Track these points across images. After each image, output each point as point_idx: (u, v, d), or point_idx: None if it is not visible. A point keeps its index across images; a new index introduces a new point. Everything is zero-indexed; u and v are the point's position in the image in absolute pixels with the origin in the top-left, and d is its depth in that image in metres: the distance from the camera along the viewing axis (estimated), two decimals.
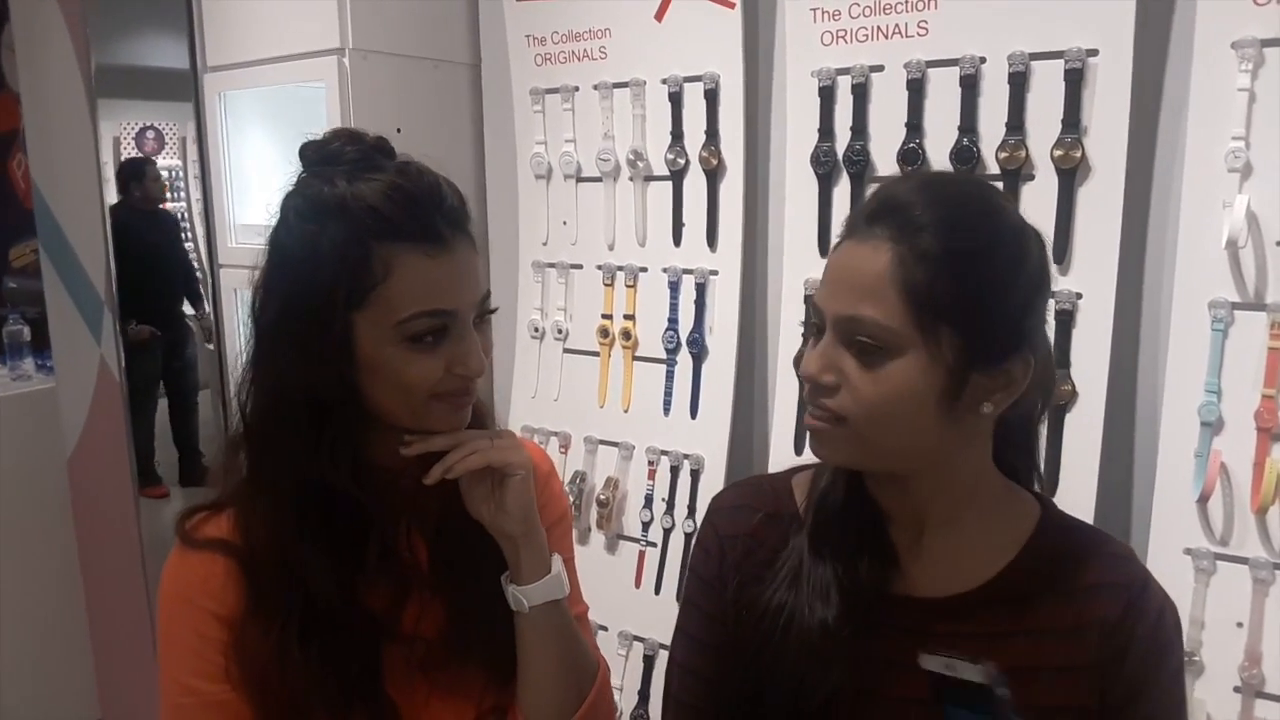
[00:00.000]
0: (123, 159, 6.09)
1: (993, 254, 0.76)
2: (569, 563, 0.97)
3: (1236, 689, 1.39)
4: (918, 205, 0.76)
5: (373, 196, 0.80)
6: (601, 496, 2.03)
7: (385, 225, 0.79)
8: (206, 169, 2.43)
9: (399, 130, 2.18)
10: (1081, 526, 0.88)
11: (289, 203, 0.84)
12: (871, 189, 1.69)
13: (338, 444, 0.84)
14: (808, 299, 1.77)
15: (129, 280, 4.58)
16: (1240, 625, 1.39)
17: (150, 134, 6.46)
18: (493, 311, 0.88)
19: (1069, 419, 1.54)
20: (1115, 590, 0.81)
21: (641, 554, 2.00)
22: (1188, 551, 1.44)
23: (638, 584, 2.00)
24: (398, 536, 0.90)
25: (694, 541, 0.96)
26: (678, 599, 1.92)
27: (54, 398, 2.69)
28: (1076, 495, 1.51)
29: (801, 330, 1.76)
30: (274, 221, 0.85)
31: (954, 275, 0.74)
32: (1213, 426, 1.41)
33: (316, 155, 0.85)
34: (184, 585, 0.86)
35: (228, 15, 2.29)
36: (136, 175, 4.66)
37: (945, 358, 0.75)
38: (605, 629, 2.03)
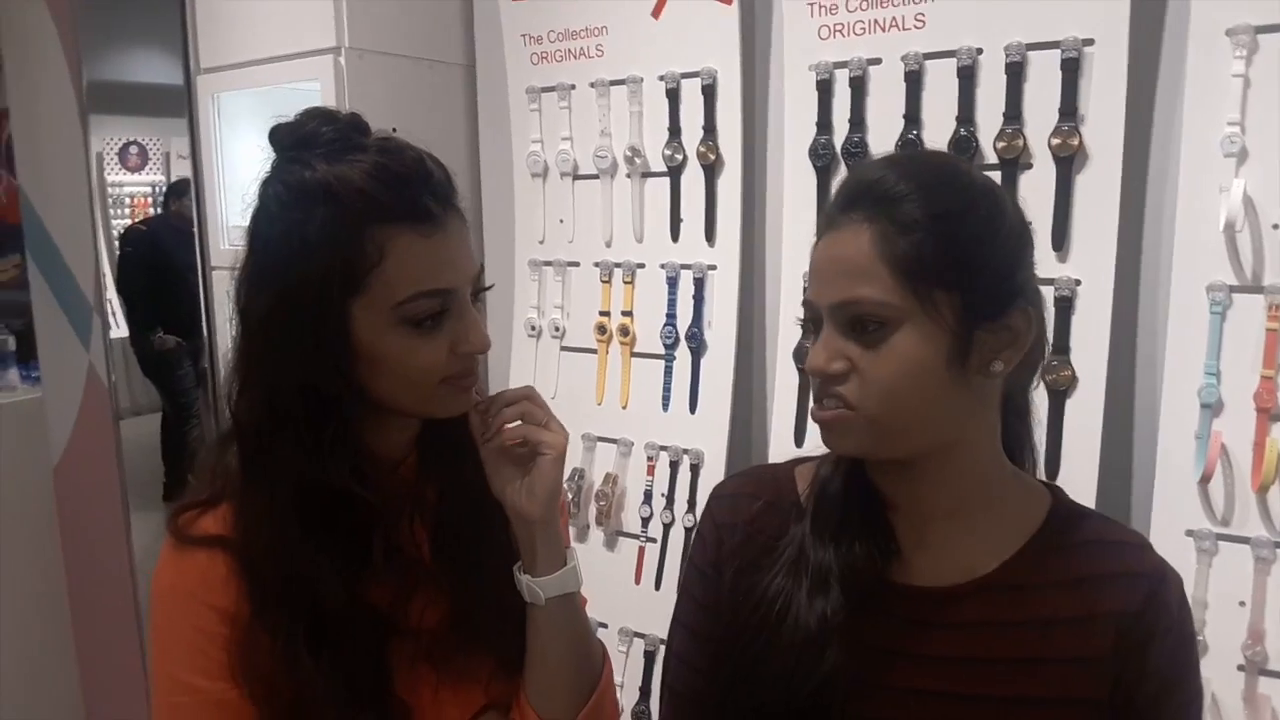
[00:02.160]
0: (106, 175, 6.09)
1: (971, 211, 0.76)
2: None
3: (1240, 667, 1.40)
4: (888, 179, 0.77)
5: (359, 178, 0.77)
6: (600, 492, 2.02)
7: (375, 207, 0.77)
8: (199, 173, 2.42)
9: (394, 130, 2.18)
10: (1093, 515, 0.86)
11: (268, 190, 0.80)
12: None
13: (338, 440, 0.81)
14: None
15: (157, 293, 4.65)
16: (1243, 604, 1.40)
17: (134, 149, 6.43)
18: (488, 288, 0.86)
19: (1070, 404, 1.55)
20: (1133, 580, 0.79)
21: (641, 550, 1.99)
22: (1189, 533, 1.45)
23: (638, 580, 1.99)
24: (401, 529, 0.87)
25: (695, 530, 0.96)
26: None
27: (40, 408, 2.66)
28: (1078, 479, 1.52)
29: (810, 341, 1.76)
30: (253, 211, 0.81)
31: (938, 237, 0.74)
32: (1212, 408, 1.43)
33: (291, 138, 0.81)
34: (182, 581, 0.82)
35: (221, 16, 2.29)
36: (177, 194, 4.76)
37: (946, 320, 0.74)
38: (605, 626, 2.02)
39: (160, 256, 4.66)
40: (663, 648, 1.93)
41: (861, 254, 0.75)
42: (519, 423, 0.86)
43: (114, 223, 6.00)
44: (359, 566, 0.82)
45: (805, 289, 0.81)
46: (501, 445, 0.86)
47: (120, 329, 4.85)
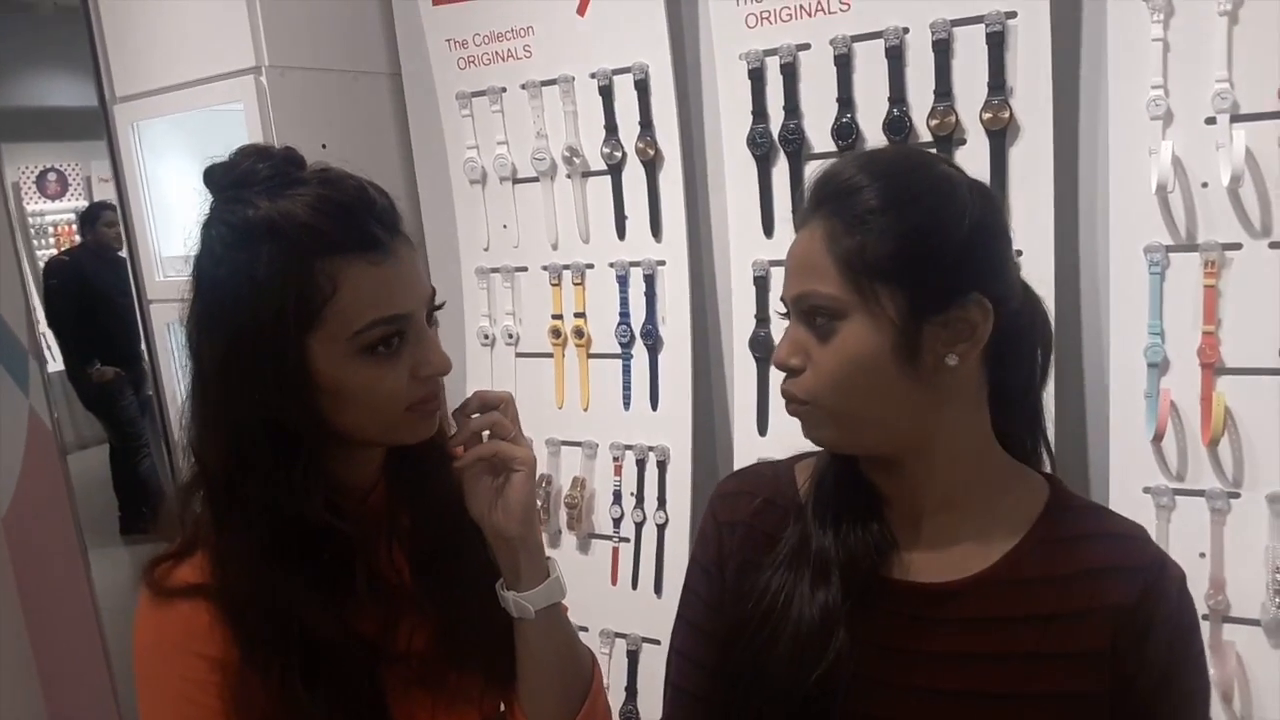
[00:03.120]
0: (25, 205, 5.87)
1: (916, 202, 0.76)
2: None
3: (1205, 616, 1.44)
4: (846, 173, 0.78)
5: (303, 213, 0.77)
6: (569, 497, 2.02)
7: (322, 240, 0.76)
8: (125, 204, 2.35)
9: (324, 146, 2.13)
10: (1091, 507, 0.86)
11: (211, 232, 0.80)
12: (810, 166, 1.72)
13: (308, 475, 0.81)
14: (757, 280, 1.79)
15: (89, 323, 4.51)
16: (1203, 555, 1.45)
17: (52, 176, 6.21)
18: (439, 308, 0.86)
19: None
20: (1130, 574, 0.78)
21: (615, 550, 1.99)
22: (1146, 490, 1.49)
23: (614, 581, 1.99)
24: (379, 557, 0.87)
25: (697, 529, 0.96)
26: (657, 592, 1.93)
27: None
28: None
29: (765, 329, 1.78)
30: (196, 255, 0.80)
31: (880, 231, 0.75)
32: (1159, 367, 1.46)
33: (227, 178, 0.80)
34: (165, 633, 0.82)
35: (133, 40, 2.21)
36: (91, 220, 4.62)
37: (889, 314, 0.75)
38: (585, 629, 2.02)
39: (87, 286, 4.54)
40: (647, 646, 1.94)
41: (814, 249, 0.77)
42: (487, 434, 0.87)
43: (39, 253, 5.80)
44: (343, 598, 0.82)
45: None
46: (470, 465, 0.86)
47: (56, 363, 4.72)
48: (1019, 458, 0.86)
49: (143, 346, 2.52)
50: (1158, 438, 1.46)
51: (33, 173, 6.03)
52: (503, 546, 0.88)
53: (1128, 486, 1.50)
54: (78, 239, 5.17)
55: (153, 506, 1.02)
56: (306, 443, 0.80)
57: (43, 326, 4.46)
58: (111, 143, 2.30)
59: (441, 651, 0.88)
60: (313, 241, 0.76)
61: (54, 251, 5.82)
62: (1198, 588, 1.44)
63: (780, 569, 0.84)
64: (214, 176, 0.81)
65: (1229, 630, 1.44)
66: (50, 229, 6.22)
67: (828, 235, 0.77)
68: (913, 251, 0.75)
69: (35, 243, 5.91)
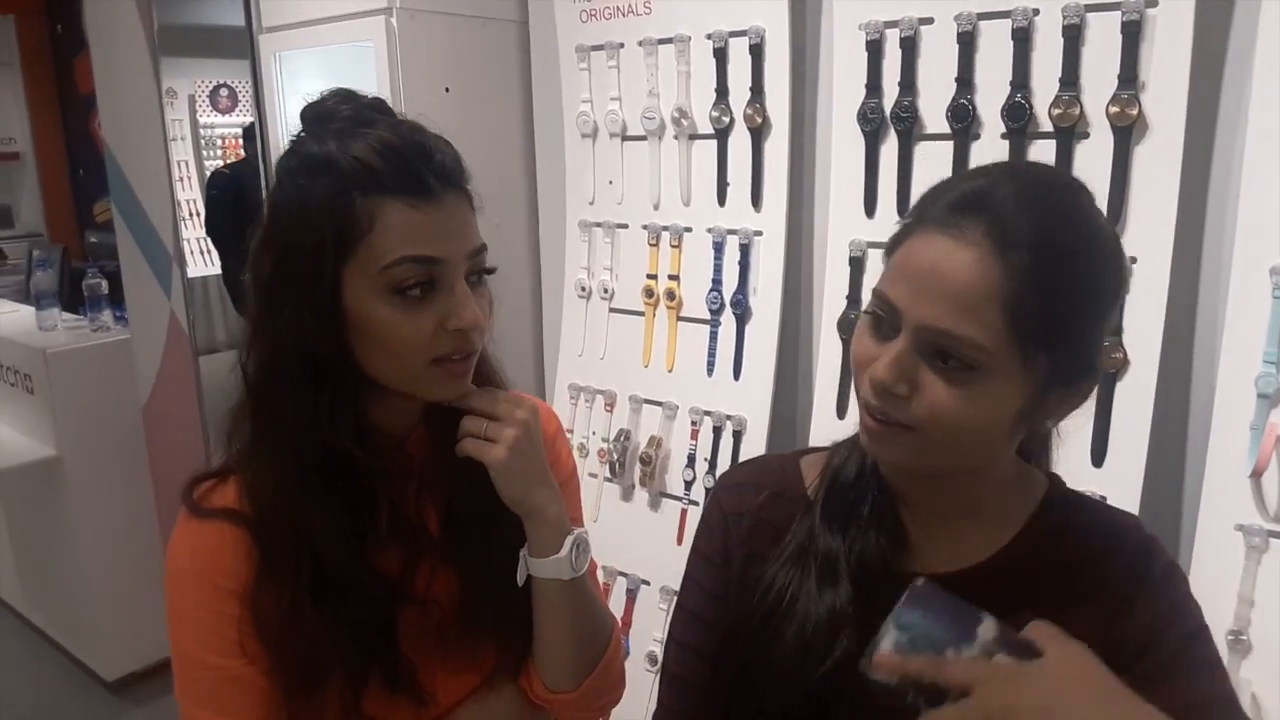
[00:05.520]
0: (199, 117, 6.25)
1: (1094, 278, 0.71)
2: (575, 523, 0.95)
3: None
4: (1010, 205, 0.69)
5: (360, 150, 0.79)
6: (645, 454, 2.04)
7: (370, 177, 0.79)
8: (265, 129, 2.48)
9: (447, 89, 2.19)
10: (1086, 500, 0.86)
11: (284, 163, 0.84)
12: (920, 147, 1.65)
13: (337, 405, 0.83)
14: (853, 261, 1.74)
15: (244, 234, 4.81)
16: None
17: (224, 91, 6.58)
18: (490, 271, 0.85)
19: (1120, 387, 1.49)
20: (1118, 557, 0.79)
21: (684, 512, 2.01)
22: (1239, 528, 1.39)
23: (679, 541, 2.01)
24: (406, 501, 0.89)
25: (700, 518, 0.96)
26: None
27: (130, 348, 2.80)
28: (1125, 466, 1.47)
29: (855, 311, 1.73)
30: (275, 179, 0.85)
31: (1058, 298, 0.69)
32: (1270, 399, 1.35)
33: (312, 115, 0.84)
34: (195, 559, 0.85)
35: None
36: (252, 137, 4.87)
37: (1036, 379, 0.71)
38: (648, 583, 2.06)
39: (244, 199, 4.81)
40: None
41: (973, 285, 0.68)
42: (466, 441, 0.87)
43: (207, 164, 6.18)
44: (364, 532, 0.85)
45: (883, 278, 0.75)
46: (462, 449, 0.88)
47: (213, 268, 5.05)
48: (1024, 455, 0.85)
49: None
50: (1258, 473, 1.36)
51: (207, 87, 6.40)
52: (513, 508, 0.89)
53: (1219, 520, 1.40)
54: (242, 153, 5.47)
55: None
56: (335, 374, 0.83)
57: (202, 233, 4.78)
58: (255, 70, 2.43)
59: (461, 608, 0.91)
60: (360, 177, 0.79)
61: (220, 163, 6.17)
62: None
63: (786, 565, 0.84)
64: (304, 112, 0.85)
65: None
66: (219, 141, 6.60)
67: (997, 275, 0.67)
68: (1078, 327, 0.72)
69: (205, 153, 6.28)
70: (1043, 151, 1.52)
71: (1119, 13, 1.40)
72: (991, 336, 0.68)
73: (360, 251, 0.79)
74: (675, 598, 1.97)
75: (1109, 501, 1.02)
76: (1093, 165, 1.47)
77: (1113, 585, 0.78)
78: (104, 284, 3.32)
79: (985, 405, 0.70)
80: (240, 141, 6.59)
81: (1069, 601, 0.78)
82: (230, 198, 4.96)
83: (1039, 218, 0.69)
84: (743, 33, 1.81)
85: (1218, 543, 1.39)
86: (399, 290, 0.80)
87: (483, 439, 0.87)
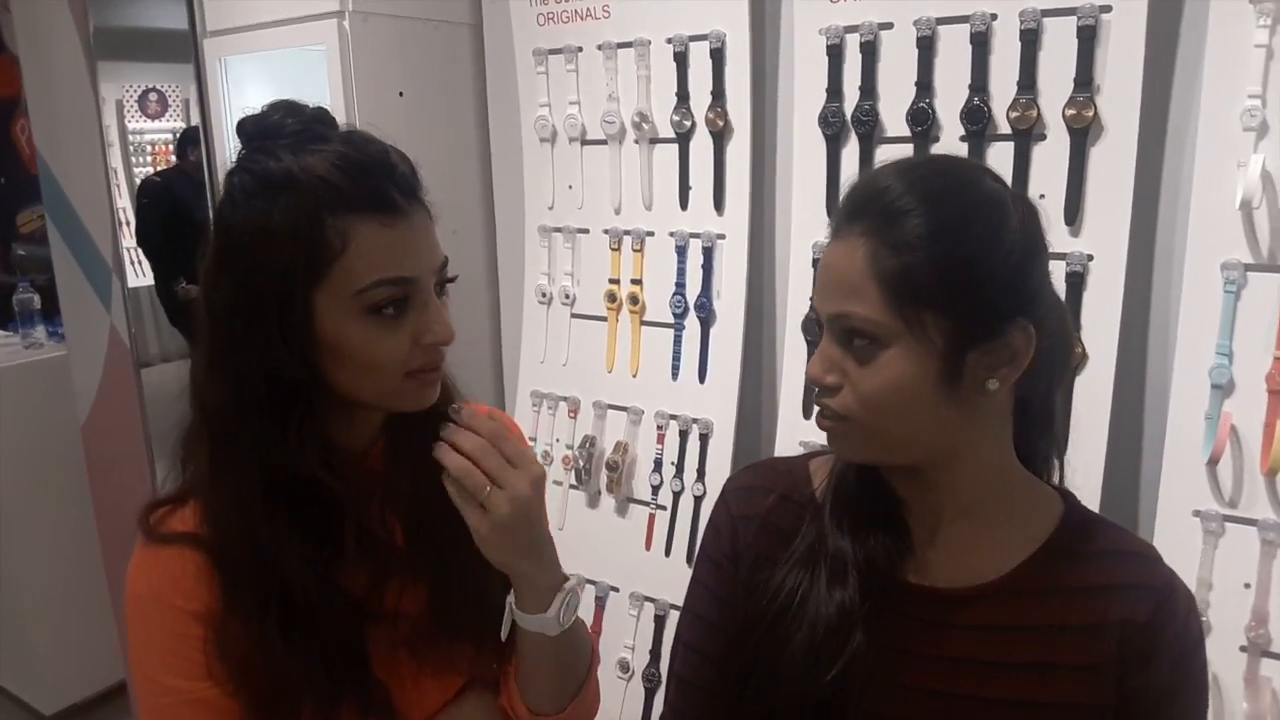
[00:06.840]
0: (126, 123, 6.06)
1: (966, 228, 0.74)
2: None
3: (1243, 648, 1.40)
4: (894, 191, 0.76)
5: (321, 168, 0.77)
6: (611, 460, 2.04)
7: (337, 196, 0.77)
8: (210, 134, 2.42)
9: (401, 94, 2.16)
10: (1105, 524, 0.87)
11: (234, 180, 0.80)
12: (881, 150, 1.68)
13: (304, 429, 0.81)
14: (816, 262, 1.76)
15: (176, 243, 4.64)
16: (1248, 586, 1.40)
17: (153, 96, 6.39)
18: (452, 280, 0.85)
19: (1079, 381, 1.53)
20: (1142, 592, 0.80)
21: (651, 517, 2.01)
22: (1196, 513, 1.44)
23: (648, 546, 2.01)
24: (371, 518, 0.87)
25: (707, 521, 0.96)
26: (688, 561, 1.94)
27: (66, 365, 2.70)
28: (1086, 456, 1.51)
29: (809, 296, 1.75)
30: (220, 200, 0.81)
31: (929, 258, 0.73)
32: (1223, 389, 1.41)
33: (256, 129, 0.81)
34: (153, 584, 0.83)
35: None
36: (193, 142, 4.72)
37: (935, 342, 0.74)
38: (616, 590, 2.05)
39: (177, 207, 4.67)
40: (673, 612, 1.96)
41: (854, 268, 0.75)
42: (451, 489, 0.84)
43: (136, 171, 5.99)
44: (331, 555, 0.83)
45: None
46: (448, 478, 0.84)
47: (146, 279, 4.90)
48: (1030, 466, 0.86)
49: None
50: (1214, 461, 1.41)
51: (135, 91, 6.21)
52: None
53: (1177, 507, 1.45)
54: (174, 159, 5.31)
55: None
56: (303, 397, 0.81)
57: (133, 243, 4.63)
58: (200, 74, 2.36)
59: (432, 616, 0.89)
60: (327, 196, 0.76)
61: (150, 170, 5.99)
62: (1239, 619, 1.40)
63: (796, 566, 0.85)
64: (245, 127, 0.82)
65: (1266, 665, 1.39)
66: (148, 147, 6.40)
67: (870, 255, 0.75)
68: (962, 280, 0.74)
69: (133, 160, 6.08)
70: (1001, 153, 1.55)
71: (1074, 18, 1.44)
72: (875, 306, 0.74)
73: (334, 274, 0.77)
74: (646, 603, 1.99)
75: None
76: (1050, 166, 1.51)
77: (1135, 622, 0.79)
78: (36, 298, 3.20)
79: (896, 373, 0.75)
80: (170, 148, 6.41)
81: (1086, 627, 0.79)
82: (163, 206, 4.82)
83: (913, 189, 0.76)
84: (703, 37, 1.82)
85: (1176, 528, 1.44)
86: (374, 310, 0.79)
87: (475, 496, 0.82)
